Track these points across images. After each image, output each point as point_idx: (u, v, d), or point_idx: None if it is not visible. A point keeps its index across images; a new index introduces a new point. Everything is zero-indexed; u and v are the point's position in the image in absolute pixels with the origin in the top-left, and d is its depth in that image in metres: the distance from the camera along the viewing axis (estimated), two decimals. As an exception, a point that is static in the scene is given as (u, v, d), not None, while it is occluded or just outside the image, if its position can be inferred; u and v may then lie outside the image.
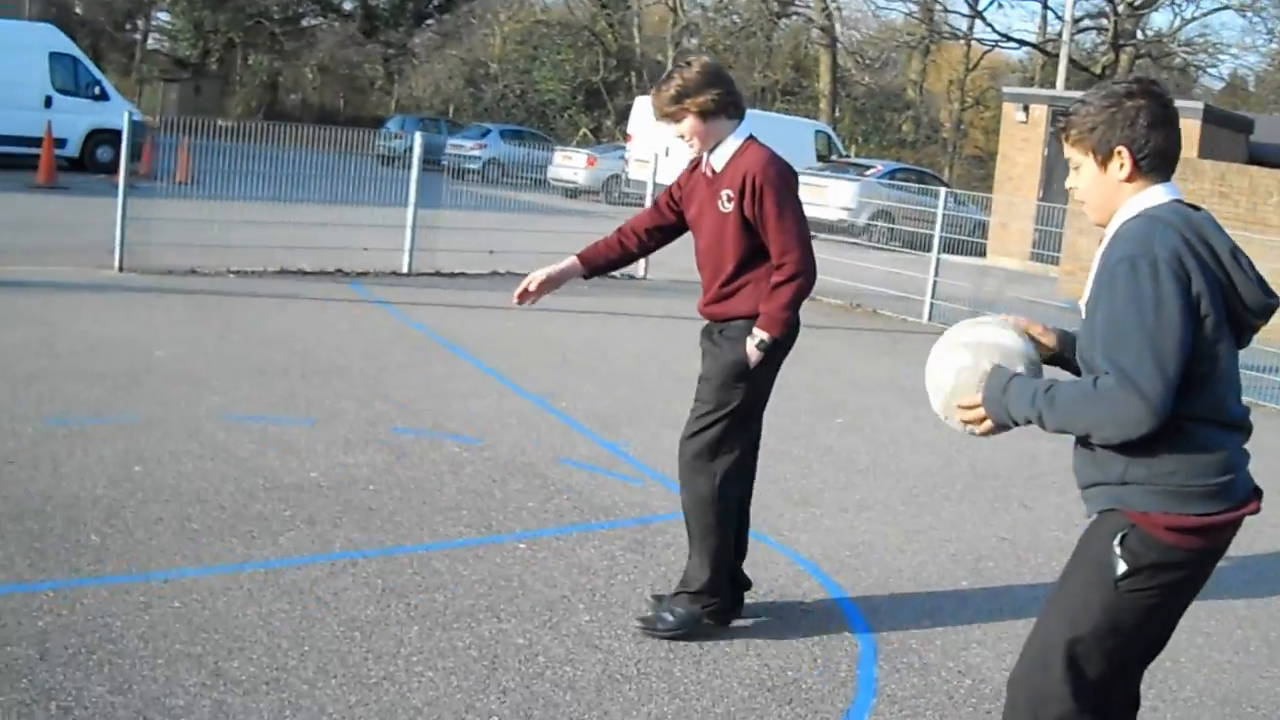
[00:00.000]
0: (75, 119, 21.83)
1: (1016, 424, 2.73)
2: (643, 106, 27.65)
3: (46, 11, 54.45)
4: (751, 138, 4.28)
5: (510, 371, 8.49)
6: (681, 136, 4.25)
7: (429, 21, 47.97)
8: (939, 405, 2.89)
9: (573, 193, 29.33)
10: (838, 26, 42.16)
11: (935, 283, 13.62)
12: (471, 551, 4.96)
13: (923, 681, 4.17)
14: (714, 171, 4.27)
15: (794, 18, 46.46)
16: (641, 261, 12.40)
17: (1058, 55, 32.82)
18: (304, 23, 51.02)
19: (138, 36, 58.74)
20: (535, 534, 5.25)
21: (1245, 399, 2.81)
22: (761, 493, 4.86)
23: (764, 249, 4.20)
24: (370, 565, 4.68)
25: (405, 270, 12.98)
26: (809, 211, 4.60)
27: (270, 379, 7.50)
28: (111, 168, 19.69)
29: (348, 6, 49.36)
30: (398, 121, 37.06)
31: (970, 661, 4.37)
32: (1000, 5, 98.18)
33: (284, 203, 15.74)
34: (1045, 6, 43.64)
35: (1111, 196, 2.77)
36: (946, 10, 43.63)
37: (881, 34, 45.63)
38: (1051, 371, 2.85)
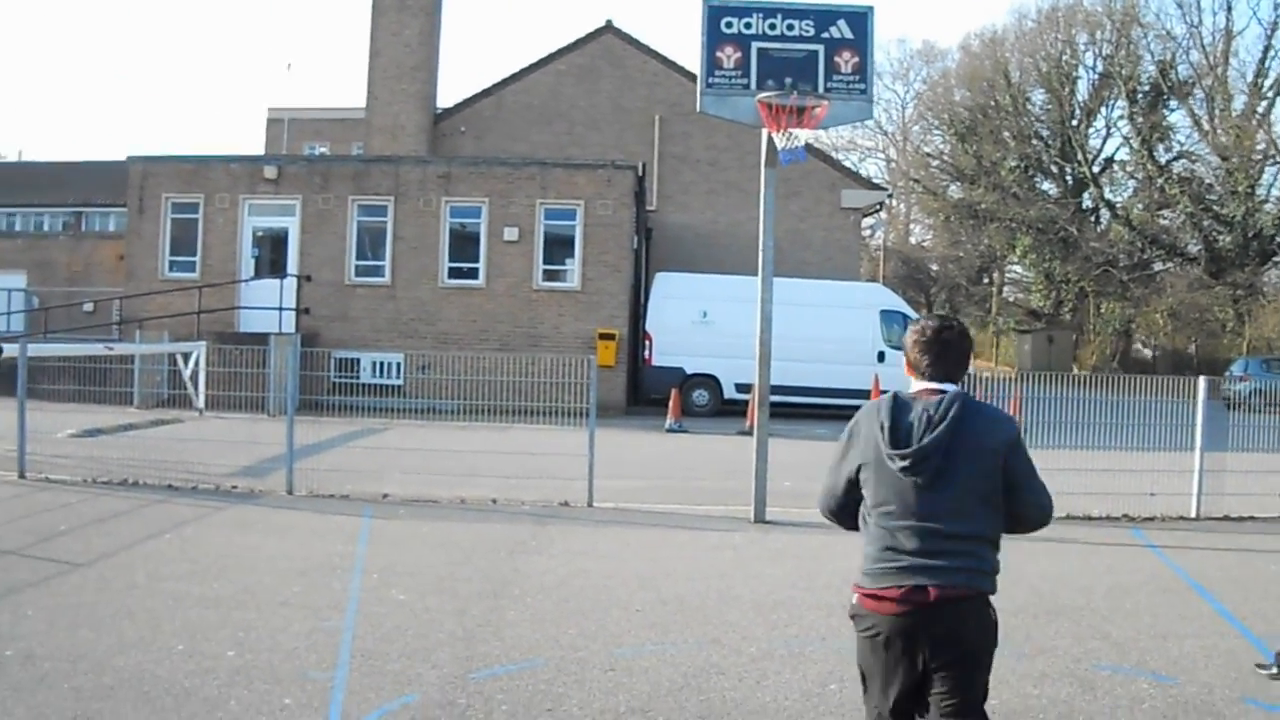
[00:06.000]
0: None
1: None
2: None
3: (900, 270, 60.27)
4: None
5: (1246, 613, 8.31)
6: None
7: (1276, 259, 45.92)
8: None
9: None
10: None
11: None
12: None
13: None
14: None
15: None
16: None
17: None
18: (1152, 268, 51.26)
19: (993, 289, 62.68)
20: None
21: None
22: None
23: None
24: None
25: (1193, 515, 12.87)
26: None
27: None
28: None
29: (1193, 249, 48.86)
30: (1241, 364, 35.73)
31: None
32: None
33: (1089, 450, 16.09)
34: None
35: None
36: None
37: None
38: None
